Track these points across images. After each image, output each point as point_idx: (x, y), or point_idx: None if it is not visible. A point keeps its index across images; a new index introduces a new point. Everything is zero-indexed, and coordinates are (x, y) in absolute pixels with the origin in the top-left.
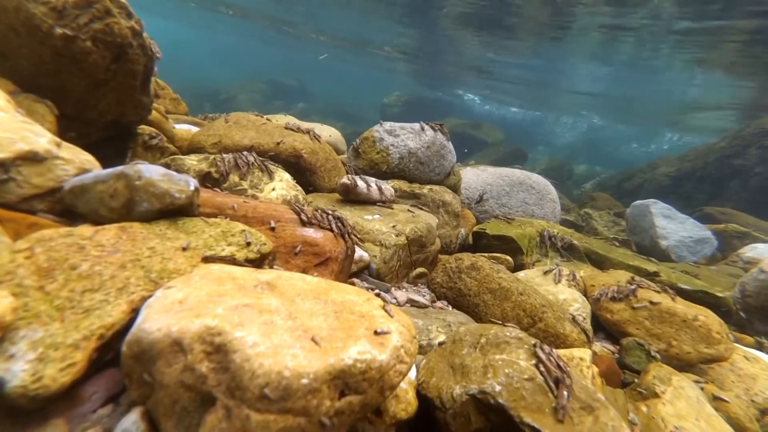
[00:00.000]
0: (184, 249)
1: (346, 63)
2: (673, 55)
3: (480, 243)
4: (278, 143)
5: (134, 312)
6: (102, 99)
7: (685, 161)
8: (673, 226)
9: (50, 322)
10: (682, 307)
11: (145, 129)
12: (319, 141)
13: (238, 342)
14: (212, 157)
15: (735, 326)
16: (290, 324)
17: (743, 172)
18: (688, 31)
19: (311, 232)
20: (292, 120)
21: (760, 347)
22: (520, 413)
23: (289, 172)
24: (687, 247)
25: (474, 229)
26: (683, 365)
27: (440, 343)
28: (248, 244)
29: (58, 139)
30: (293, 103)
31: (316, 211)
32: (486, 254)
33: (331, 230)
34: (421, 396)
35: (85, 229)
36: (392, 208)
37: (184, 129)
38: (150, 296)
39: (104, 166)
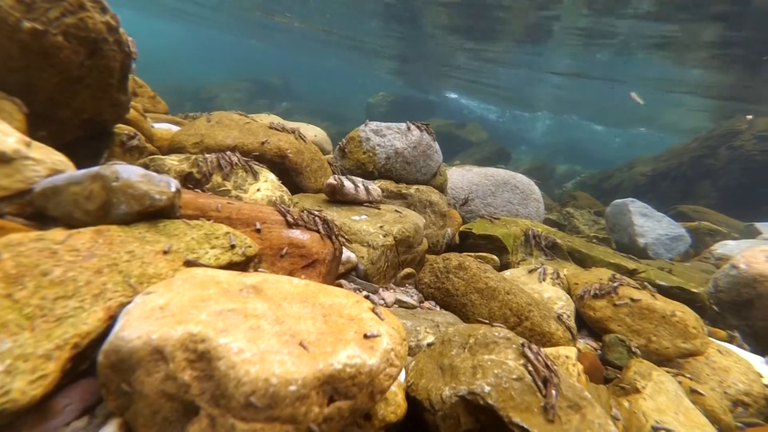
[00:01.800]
0: (165, 252)
1: (331, 62)
2: (649, 56)
3: (466, 243)
4: (263, 143)
5: (111, 319)
6: (76, 97)
7: (660, 161)
8: (650, 224)
9: (19, 332)
10: (660, 303)
11: (122, 128)
12: (304, 141)
13: (223, 349)
14: (194, 157)
15: (709, 321)
16: (277, 329)
17: (714, 172)
18: (663, 34)
19: (298, 234)
20: (276, 119)
21: (731, 340)
22: (510, 413)
23: (274, 173)
24: (663, 244)
25: (460, 228)
26: (662, 360)
27: (429, 344)
28: (233, 246)
29: (27, 139)
30: (277, 102)
31: (303, 212)
32: (472, 254)
33: (318, 231)
34: (410, 398)
35: (57, 233)
36: (379, 209)
37: (163, 128)
38: (129, 302)
39: (79, 166)
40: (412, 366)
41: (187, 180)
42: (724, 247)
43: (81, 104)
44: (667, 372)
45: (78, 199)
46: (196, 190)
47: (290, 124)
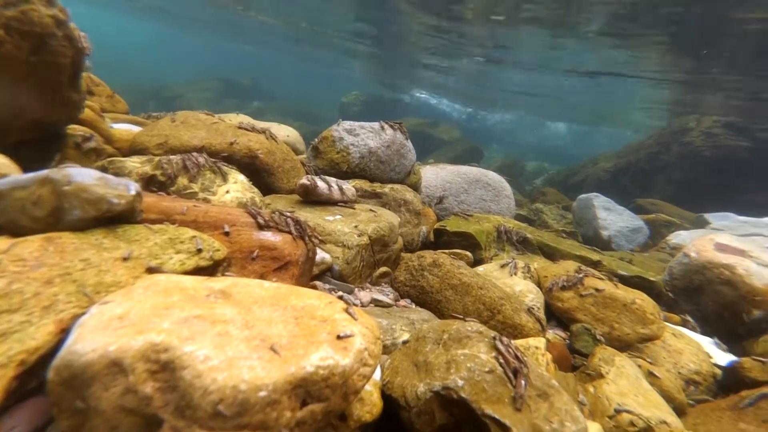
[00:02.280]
0: (124, 259)
1: (303, 61)
2: (609, 57)
3: (441, 240)
4: (231, 143)
5: (64, 332)
6: (20, 95)
7: (620, 157)
8: (612, 217)
9: None
10: (622, 292)
11: (76, 129)
12: (275, 141)
13: (188, 357)
14: (157, 158)
15: (665, 306)
16: (247, 334)
17: (668, 167)
18: (621, 37)
19: (269, 236)
20: (246, 119)
21: (685, 324)
22: (482, 405)
23: (244, 174)
24: (624, 236)
25: (435, 226)
26: (624, 346)
27: (404, 342)
28: (199, 250)
29: None
30: (247, 102)
31: (274, 213)
32: (447, 251)
33: (290, 233)
34: (386, 396)
35: (0, 242)
36: (354, 208)
37: (124, 129)
38: (84, 314)
39: (26, 170)
40: (387, 364)
41: (151, 183)
42: (677, 237)
43: (26, 103)
44: (628, 357)
45: (24, 205)
46: (160, 193)
47: (261, 124)
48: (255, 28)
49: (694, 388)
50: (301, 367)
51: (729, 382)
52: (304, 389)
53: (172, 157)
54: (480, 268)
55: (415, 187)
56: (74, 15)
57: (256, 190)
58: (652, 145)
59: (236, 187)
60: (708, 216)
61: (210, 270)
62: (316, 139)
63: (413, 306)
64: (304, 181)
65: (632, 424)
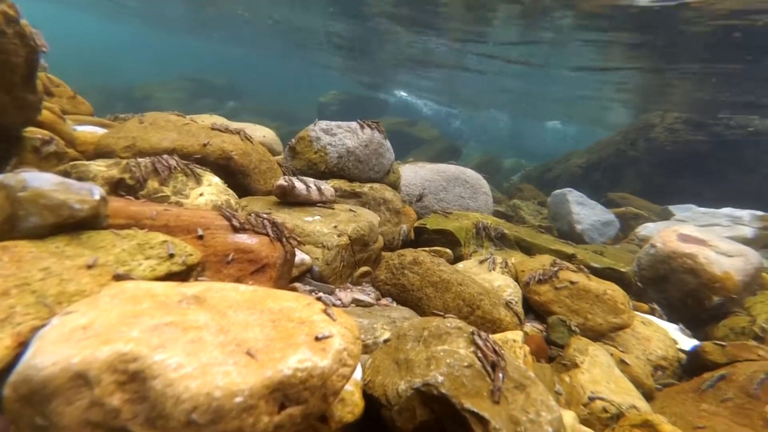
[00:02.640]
0: (89, 267)
1: (280, 60)
2: (574, 58)
3: (421, 238)
4: (205, 145)
5: (22, 346)
6: None
7: (592, 153)
8: (585, 211)
9: None
10: (594, 284)
11: (35, 132)
12: (251, 141)
13: (159, 366)
14: (125, 161)
15: (634, 296)
16: (221, 339)
17: (635, 162)
18: (585, 41)
19: (245, 238)
20: (219, 120)
21: (653, 312)
22: (461, 400)
23: (218, 176)
24: (597, 229)
25: (415, 224)
26: (597, 335)
27: (385, 341)
28: (171, 255)
29: None
30: (222, 102)
31: (250, 215)
32: (427, 248)
33: (267, 235)
34: (367, 396)
35: None
36: (333, 209)
37: (88, 131)
38: (44, 326)
39: None
40: (368, 364)
41: (118, 187)
42: (645, 229)
43: None
44: (602, 346)
45: None
46: (128, 197)
47: (235, 125)
48: (229, 25)
49: (661, 373)
50: (278, 371)
51: (692, 366)
52: (281, 393)
53: (140, 159)
54: (460, 265)
55: (395, 186)
56: (35, 14)
57: (231, 192)
58: (620, 141)
59: (210, 189)
60: (672, 208)
61: (183, 275)
62: (293, 140)
63: (394, 304)
64: (281, 182)
65: (605, 410)
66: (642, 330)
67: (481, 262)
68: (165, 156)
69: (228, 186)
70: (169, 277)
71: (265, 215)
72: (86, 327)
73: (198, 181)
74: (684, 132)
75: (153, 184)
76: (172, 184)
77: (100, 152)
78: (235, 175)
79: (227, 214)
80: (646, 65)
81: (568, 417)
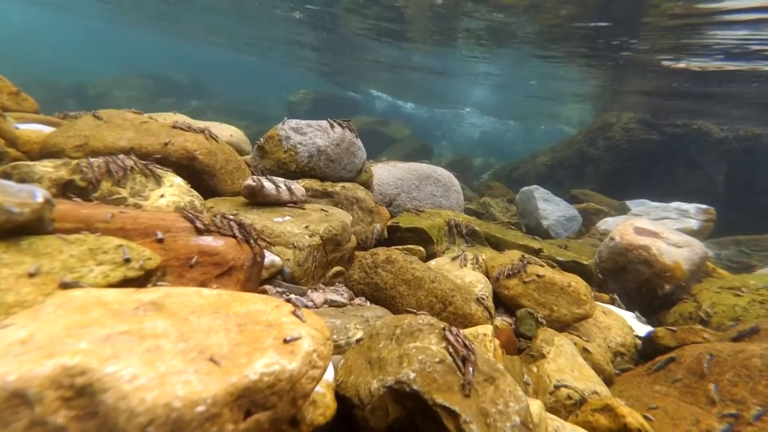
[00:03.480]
0: (30, 275)
1: (246, 57)
2: (541, 60)
3: (395, 236)
4: (166, 144)
5: None
6: None
7: (556, 152)
8: (551, 207)
9: None
10: (559, 276)
11: None
12: (216, 140)
13: (110, 378)
14: (75, 162)
15: (596, 287)
16: (182, 347)
17: (595, 160)
18: (550, 39)
19: (209, 241)
20: (182, 118)
21: (612, 302)
22: (433, 395)
23: (181, 176)
24: (561, 224)
25: (388, 223)
26: (562, 326)
27: (358, 340)
28: (127, 260)
29: None
30: (185, 101)
31: (215, 217)
32: (400, 247)
33: (234, 236)
34: (340, 397)
35: None
36: (304, 209)
37: (33, 130)
38: None
39: None
40: (341, 364)
41: (68, 189)
42: (605, 224)
43: None
44: (566, 336)
45: None
46: (76, 199)
47: (200, 123)
48: (191, 21)
49: (620, 359)
50: (243, 376)
51: (648, 351)
52: (247, 399)
53: (93, 160)
54: (432, 262)
55: (367, 185)
56: None
57: (195, 193)
58: (582, 140)
59: (172, 190)
60: (628, 203)
61: (141, 281)
62: (262, 139)
63: (368, 304)
64: (249, 182)
65: (569, 397)
66: (603, 319)
67: (454, 259)
68: (121, 156)
69: (192, 187)
70: (126, 283)
71: (231, 216)
72: (25, 341)
73: (158, 182)
74: (638, 131)
75: (107, 185)
76: (129, 185)
77: (47, 152)
78: (200, 176)
79: (190, 215)
80: (600, 70)
81: (535, 406)
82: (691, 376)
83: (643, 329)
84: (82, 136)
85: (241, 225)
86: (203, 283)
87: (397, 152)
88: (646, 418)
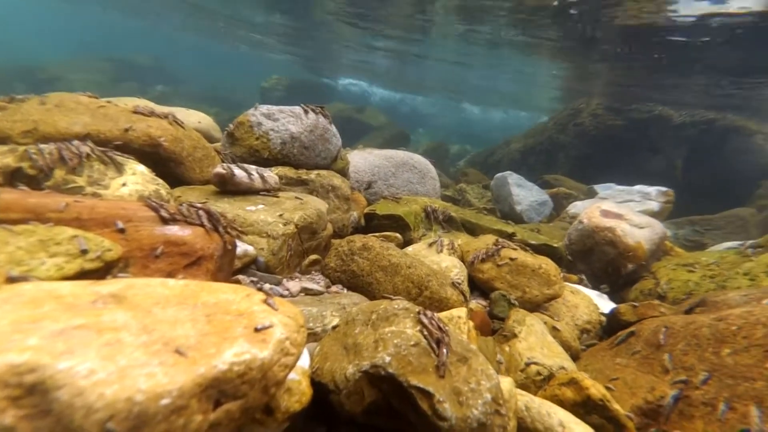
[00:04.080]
0: None
1: (216, 41)
2: (513, 51)
3: (372, 224)
4: (126, 130)
5: None
6: None
7: (528, 138)
8: (524, 193)
9: None
10: (531, 259)
11: None
12: (182, 127)
13: (64, 375)
14: (23, 148)
15: (565, 268)
16: (145, 339)
17: (565, 145)
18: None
19: (176, 230)
20: (145, 103)
21: (581, 282)
22: (408, 377)
23: (145, 164)
24: (534, 209)
25: (365, 210)
26: (533, 306)
27: (334, 327)
28: (84, 252)
29: None
30: (149, 86)
31: (181, 205)
32: (378, 234)
33: (202, 225)
34: (316, 383)
35: None
36: (278, 197)
37: None
38: None
39: None
40: (317, 351)
41: (16, 177)
42: (574, 207)
43: None
44: (537, 316)
45: None
46: (22, 188)
47: (164, 109)
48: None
49: (586, 335)
50: (212, 367)
51: (611, 326)
52: (216, 389)
53: (43, 146)
54: (409, 248)
55: (343, 173)
56: None
57: (161, 181)
58: (553, 127)
59: (135, 179)
60: (596, 187)
61: (101, 273)
62: (231, 125)
63: (345, 291)
64: (219, 169)
65: (538, 373)
66: (571, 298)
67: (430, 245)
68: (75, 142)
69: (158, 175)
70: (83, 276)
71: (199, 205)
72: None
73: (119, 170)
74: (605, 117)
75: (61, 173)
76: (86, 173)
77: None
78: (166, 164)
79: (154, 204)
80: (570, 58)
81: (506, 383)
82: (648, 347)
83: (607, 306)
84: (31, 121)
85: (209, 213)
86: (170, 274)
87: (374, 140)
88: (607, 388)
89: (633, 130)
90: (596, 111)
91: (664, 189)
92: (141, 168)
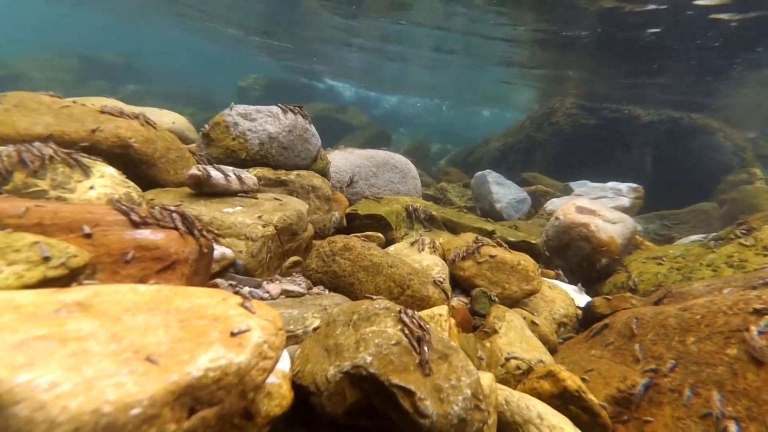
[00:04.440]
0: None
1: (191, 38)
2: (490, 49)
3: (354, 224)
4: (93, 131)
5: None
6: None
7: (507, 137)
8: (503, 191)
9: None
10: (510, 256)
11: None
12: (154, 127)
13: (23, 388)
14: None
15: (543, 264)
16: (113, 348)
17: (542, 144)
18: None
19: (147, 234)
20: (112, 103)
21: (558, 277)
22: (389, 377)
23: (114, 166)
24: (513, 207)
25: (347, 210)
26: (513, 302)
27: (315, 329)
28: (46, 259)
29: None
30: (120, 85)
31: (154, 208)
32: (360, 234)
33: (176, 229)
34: (297, 386)
35: None
36: (256, 198)
37: None
38: None
39: None
40: (298, 353)
41: None
42: (551, 204)
43: None
44: (516, 311)
45: None
46: None
47: (135, 109)
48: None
49: (563, 329)
50: (185, 373)
51: (586, 319)
52: (191, 396)
53: (1, 148)
54: (391, 248)
55: (323, 173)
56: None
57: (132, 184)
58: (530, 125)
59: (103, 181)
60: (571, 184)
61: (66, 280)
62: (207, 126)
63: (327, 292)
64: (194, 171)
65: (518, 367)
66: (549, 293)
67: (412, 244)
68: (36, 144)
69: (129, 178)
70: (47, 284)
71: (173, 208)
72: None
73: (86, 172)
74: (579, 116)
75: (21, 177)
76: (49, 176)
77: None
78: (138, 166)
79: (124, 208)
80: (546, 58)
81: (486, 378)
82: (621, 338)
83: (583, 300)
84: None
85: (183, 216)
86: (142, 280)
87: (355, 140)
88: (583, 380)
89: (605, 128)
90: (570, 110)
91: (634, 185)
92: (110, 170)
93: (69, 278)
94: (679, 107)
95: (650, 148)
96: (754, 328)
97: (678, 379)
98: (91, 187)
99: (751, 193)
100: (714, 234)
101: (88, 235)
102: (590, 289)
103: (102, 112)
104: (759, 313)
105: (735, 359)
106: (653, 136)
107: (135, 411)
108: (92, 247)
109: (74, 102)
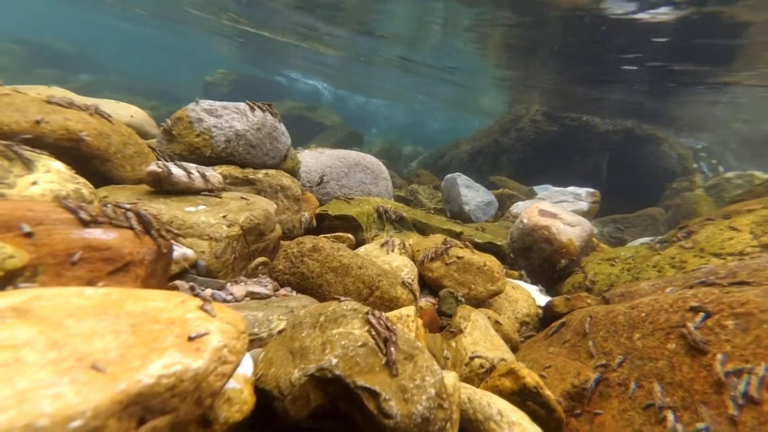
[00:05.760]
0: None
1: (151, 27)
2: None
3: (323, 225)
4: (38, 122)
5: None
6: None
7: (476, 141)
8: (471, 193)
9: None
10: (477, 257)
11: None
12: (109, 120)
13: None
14: None
15: (508, 265)
16: (53, 356)
17: (508, 149)
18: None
19: (98, 234)
20: (60, 93)
21: (521, 278)
22: (355, 378)
23: (62, 161)
24: (481, 209)
25: (317, 211)
26: (479, 302)
27: (280, 332)
28: None
29: None
30: (71, 74)
31: (106, 206)
32: (330, 235)
33: (131, 228)
34: (260, 390)
35: None
36: (221, 197)
37: None
38: None
39: None
40: (261, 357)
41: None
42: (516, 207)
43: None
44: (481, 311)
45: None
46: None
47: (86, 100)
48: None
49: (524, 328)
50: (135, 381)
51: (546, 318)
52: (140, 405)
53: None
54: (361, 249)
55: (293, 173)
56: None
57: (82, 180)
58: (497, 130)
59: (49, 177)
60: (535, 188)
61: (1, 283)
62: (169, 121)
63: (294, 294)
64: (153, 167)
65: (481, 366)
66: (512, 293)
67: (382, 245)
68: None
69: (79, 173)
70: None
71: (128, 206)
72: None
73: (28, 166)
74: (543, 123)
75: None
76: None
77: None
78: (90, 161)
79: (71, 205)
80: (514, 65)
81: (450, 377)
82: (576, 336)
83: (543, 300)
84: None
85: (139, 215)
86: (90, 282)
87: (327, 139)
88: (541, 376)
89: (566, 135)
90: (535, 117)
91: (591, 190)
92: (57, 165)
93: (4, 281)
94: (633, 117)
95: (606, 154)
96: (690, 324)
97: (625, 374)
98: (34, 183)
99: (692, 200)
100: (660, 237)
101: (29, 234)
102: (551, 289)
103: (48, 102)
104: (695, 310)
105: (673, 353)
106: (608, 144)
107: (75, 423)
108: (33, 248)
109: (15, 90)
